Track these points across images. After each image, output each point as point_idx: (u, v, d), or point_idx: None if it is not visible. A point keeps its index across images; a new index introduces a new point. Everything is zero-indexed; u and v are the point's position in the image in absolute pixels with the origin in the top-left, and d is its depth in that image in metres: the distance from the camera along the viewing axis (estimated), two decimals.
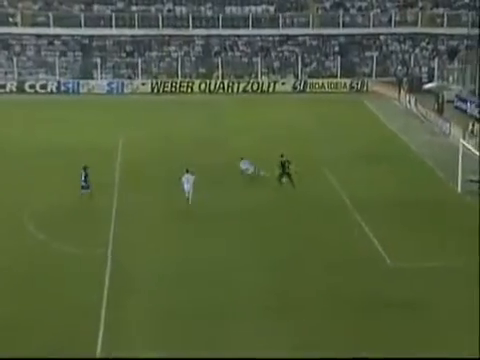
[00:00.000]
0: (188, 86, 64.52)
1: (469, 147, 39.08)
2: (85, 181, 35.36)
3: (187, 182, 35.15)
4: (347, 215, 34.75)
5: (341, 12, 67.90)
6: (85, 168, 35.34)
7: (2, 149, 44.72)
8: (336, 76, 65.67)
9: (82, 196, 35.37)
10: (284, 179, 38.19)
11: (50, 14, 66.74)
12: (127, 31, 67.01)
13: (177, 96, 62.92)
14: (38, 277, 27.76)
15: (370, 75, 65.71)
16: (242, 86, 64.69)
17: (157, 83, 64.59)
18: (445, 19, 66.17)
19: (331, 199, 36.77)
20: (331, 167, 41.56)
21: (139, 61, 65.50)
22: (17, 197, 36.54)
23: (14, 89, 63.71)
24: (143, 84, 64.67)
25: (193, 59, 67.32)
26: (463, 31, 62.87)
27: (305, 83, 65.06)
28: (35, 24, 66.73)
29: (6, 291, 26.65)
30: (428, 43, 67.58)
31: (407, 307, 25.92)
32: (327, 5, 68.90)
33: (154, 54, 67.42)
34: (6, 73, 65.11)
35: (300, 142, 46.36)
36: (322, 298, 26.60)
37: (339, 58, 66.26)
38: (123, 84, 64.75)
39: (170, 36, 67.47)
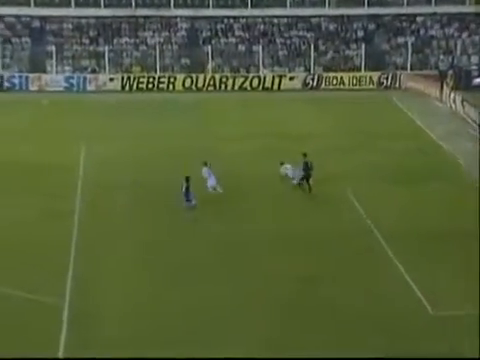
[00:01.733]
0: (169, 82, 64.61)
1: None
2: (187, 193, 37.71)
3: (209, 175, 38.85)
4: (378, 251, 34.57)
5: None
6: (187, 179, 37.46)
7: None
8: (360, 69, 66.11)
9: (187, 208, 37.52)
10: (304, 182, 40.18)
11: None
12: (90, 11, 67.75)
13: (155, 94, 63.10)
14: None
15: (404, 67, 66.06)
16: (239, 82, 64.96)
17: (129, 78, 64.67)
18: None
19: (354, 227, 36.65)
20: (354, 188, 41.21)
21: (106, 50, 65.47)
22: None
23: None
24: (111, 79, 64.85)
25: (175, 47, 67.54)
26: None
27: (319, 78, 65.29)
28: None
29: None
30: (477, 27, 68.21)
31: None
32: None
33: (125, 41, 67.67)
34: None
35: (313, 154, 43.61)
36: None
37: (363, 46, 66.43)
38: (85, 79, 64.83)
39: (146, 18, 68.19)
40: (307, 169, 40.11)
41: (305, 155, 40.20)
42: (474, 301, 29.71)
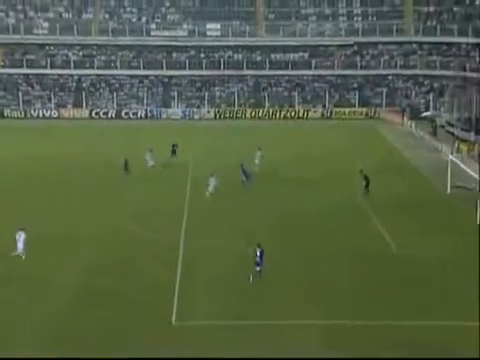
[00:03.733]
0: (242, 113, 64.46)
1: (456, 161, 39.46)
2: (261, 259, 26.36)
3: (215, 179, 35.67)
4: (365, 215, 34.68)
5: (358, 58, 67.45)
6: (259, 245, 26.55)
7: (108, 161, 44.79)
8: (355, 106, 64.94)
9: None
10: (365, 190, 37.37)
11: (141, 60, 67.31)
12: (197, 72, 66.96)
13: (234, 121, 62.46)
14: None
15: (381, 105, 64.76)
16: (283, 113, 64.39)
17: (219, 111, 64.64)
18: (438, 64, 65.09)
19: (353, 203, 36.63)
20: (352, 178, 40.71)
21: (206, 94, 65.49)
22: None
23: (113, 115, 64.51)
24: (208, 112, 64.65)
25: (246, 93, 66.96)
26: (451, 73, 62.91)
27: (331, 111, 64.50)
28: (130, 67, 67.39)
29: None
30: (425, 82, 66.73)
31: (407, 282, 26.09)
32: (348, 52, 68.13)
33: (217, 89, 67.32)
34: (107, 104, 65.45)
35: (328, 157, 46.79)
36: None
37: (357, 92, 65.68)
38: (193, 111, 64.78)
39: (229, 76, 67.46)
40: (367, 181, 37.23)
41: (361, 171, 37.84)
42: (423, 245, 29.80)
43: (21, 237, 27.96)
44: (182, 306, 24.38)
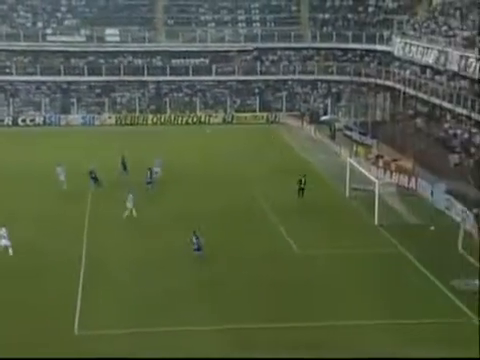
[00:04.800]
0: (144, 119, 63.74)
1: (354, 163, 40.44)
2: (197, 244, 29.11)
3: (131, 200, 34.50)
4: (267, 217, 35.58)
5: (258, 63, 67.48)
6: (194, 232, 29.48)
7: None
8: (256, 111, 65.04)
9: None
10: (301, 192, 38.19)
11: (37, 65, 65.54)
12: (98, 78, 65.87)
13: (136, 127, 61.92)
14: None
15: (281, 110, 64.98)
16: (185, 119, 64.17)
17: (120, 117, 63.93)
18: (334, 69, 65.86)
19: (255, 205, 37.51)
20: (255, 181, 42.38)
21: (106, 100, 64.84)
22: None
23: (10, 123, 62.82)
24: (109, 118, 63.97)
25: (147, 99, 66.22)
26: (348, 78, 64.17)
27: (232, 116, 64.64)
28: (26, 73, 65.61)
29: None
30: (323, 87, 67.23)
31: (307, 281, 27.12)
32: (248, 58, 68.32)
33: (117, 95, 66.56)
34: (3, 111, 63.28)
35: (230, 160, 47.27)
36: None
37: (258, 97, 65.76)
38: (93, 118, 64.00)
39: (130, 81, 66.52)
40: (301, 184, 37.80)
41: (303, 176, 38.20)
42: (323, 245, 30.86)
43: None
44: (85, 315, 24.22)
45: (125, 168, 43.05)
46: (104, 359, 21.19)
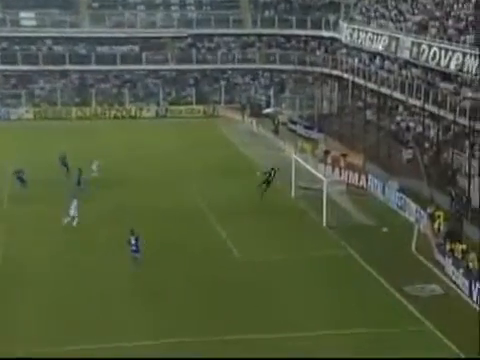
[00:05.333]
0: (67, 113, 63.04)
1: (299, 160, 40.81)
2: (136, 245, 29.18)
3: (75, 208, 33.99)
4: (205, 219, 35.96)
5: (194, 51, 67.82)
6: (132, 232, 29.52)
7: None
8: (192, 103, 65.13)
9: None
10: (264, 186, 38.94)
11: None
12: (13, 67, 64.88)
13: (58, 122, 60.90)
14: None
15: (219, 102, 65.14)
16: (113, 113, 63.90)
17: (39, 111, 63.20)
18: (277, 57, 66.62)
19: (193, 207, 37.84)
20: (191, 180, 42.68)
21: (23, 92, 63.88)
22: None
23: None
24: (27, 111, 63.09)
25: (70, 90, 65.66)
26: (292, 67, 64.74)
27: (166, 110, 64.51)
28: None
29: None
30: (265, 76, 68.03)
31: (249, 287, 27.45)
32: (182, 45, 68.73)
33: (36, 86, 65.77)
34: None
35: (164, 159, 47.51)
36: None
37: (194, 89, 65.97)
38: (9, 112, 63.11)
39: (50, 71, 65.90)
40: (269, 177, 38.85)
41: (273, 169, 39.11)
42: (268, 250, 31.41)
43: None
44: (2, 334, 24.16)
45: (67, 168, 43.09)
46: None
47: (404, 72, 52.56)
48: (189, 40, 68.93)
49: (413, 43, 50.99)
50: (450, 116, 40.83)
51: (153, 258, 30.36)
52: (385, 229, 34.64)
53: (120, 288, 27.70)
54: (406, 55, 51.92)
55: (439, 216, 33.72)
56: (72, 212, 33.96)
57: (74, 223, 33.97)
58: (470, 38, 44.89)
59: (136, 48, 67.86)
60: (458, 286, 28.35)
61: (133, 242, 29.11)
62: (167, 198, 39.37)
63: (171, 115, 64.22)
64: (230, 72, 68.44)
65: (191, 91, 66.52)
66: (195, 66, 67.80)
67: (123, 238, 30.33)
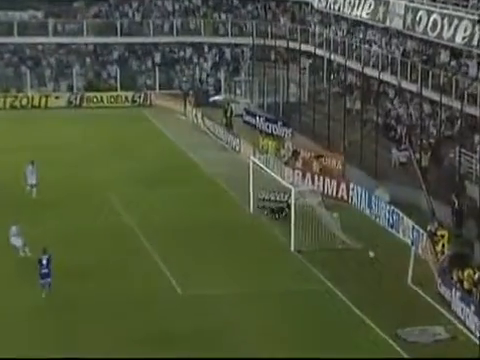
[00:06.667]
0: None
1: (259, 164, 41.44)
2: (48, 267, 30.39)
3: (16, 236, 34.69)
4: (136, 243, 36.01)
5: (118, 17, 68.56)
6: (45, 251, 30.76)
7: None
8: (116, 89, 65.49)
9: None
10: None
11: None
12: None
13: None
14: None
15: (153, 88, 65.87)
16: (9, 101, 63.86)
17: None
18: (229, 27, 67.36)
19: (118, 226, 37.96)
20: (115, 191, 42.85)
21: None
22: None
23: None
24: None
25: None
26: (248, 41, 64.33)
27: (81, 97, 64.79)
28: None
29: None
30: (212, 53, 68.62)
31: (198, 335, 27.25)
32: (102, 9, 69.11)
33: None
34: None
35: (78, 164, 47.64)
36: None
37: (118, 69, 66.03)
38: None
39: None
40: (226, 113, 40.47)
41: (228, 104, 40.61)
42: (216, 283, 31.38)
43: None
44: None
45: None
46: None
47: (395, 47, 53.00)
48: (111, 2, 69.61)
49: (407, 8, 51.47)
50: (455, 104, 41.03)
51: (72, 296, 30.39)
52: (372, 254, 34.74)
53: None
54: (398, 24, 52.36)
55: (443, 236, 33.75)
56: (16, 242, 34.65)
57: (27, 253, 34.33)
58: None
59: (39, 14, 68.18)
60: (468, 328, 28.20)
61: (44, 263, 30.31)
62: (81, 216, 39.34)
63: (88, 104, 64.48)
64: (166, 47, 68.85)
65: (114, 72, 66.60)
66: (119, 39, 68.19)
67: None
